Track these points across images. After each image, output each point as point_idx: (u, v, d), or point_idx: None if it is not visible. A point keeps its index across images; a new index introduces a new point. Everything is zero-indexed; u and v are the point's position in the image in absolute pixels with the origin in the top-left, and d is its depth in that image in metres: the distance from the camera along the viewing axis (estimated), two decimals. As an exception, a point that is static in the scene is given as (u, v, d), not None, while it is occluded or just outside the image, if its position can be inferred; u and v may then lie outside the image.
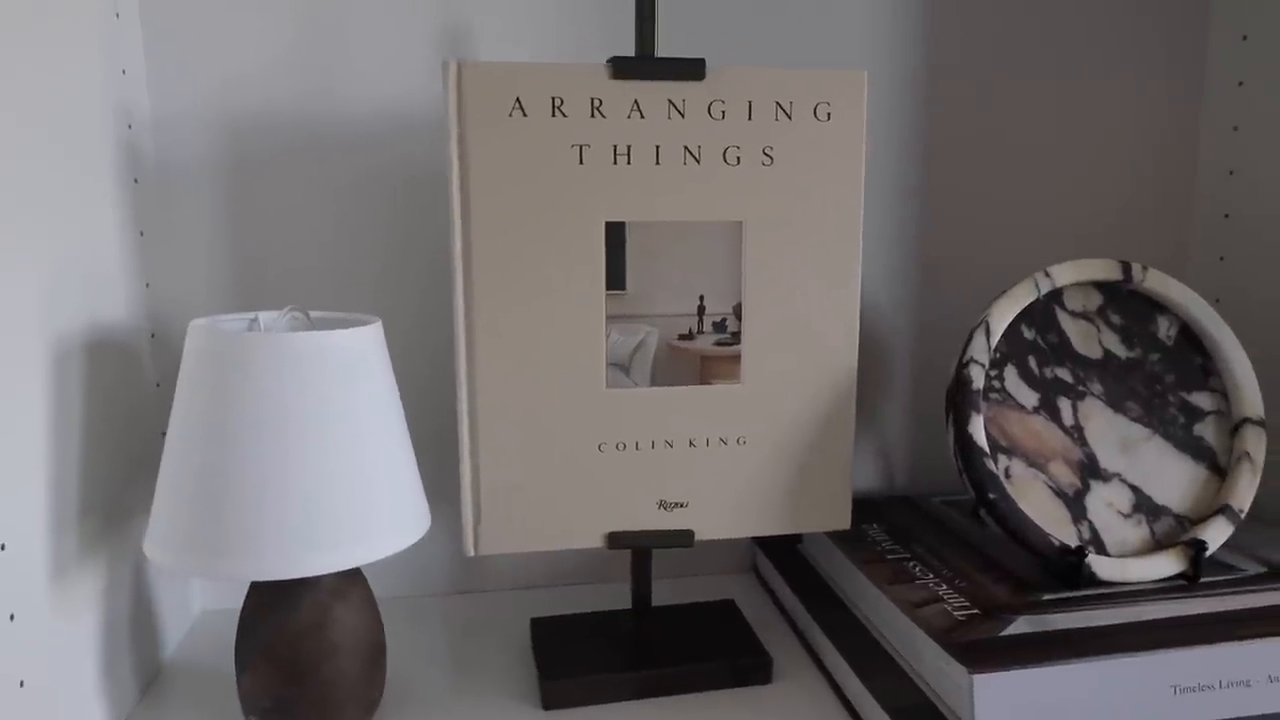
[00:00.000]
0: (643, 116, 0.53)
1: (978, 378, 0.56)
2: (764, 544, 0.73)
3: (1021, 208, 0.74)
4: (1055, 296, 0.59)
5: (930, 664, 0.49)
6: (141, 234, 0.59)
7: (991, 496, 0.55)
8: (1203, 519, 0.57)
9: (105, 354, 0.53)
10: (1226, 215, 0.73)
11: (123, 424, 0.55)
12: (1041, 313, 0.59)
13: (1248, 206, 0.72)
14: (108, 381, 0.53)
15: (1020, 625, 0.51)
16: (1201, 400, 0.59)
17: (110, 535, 0.53)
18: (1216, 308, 0.74)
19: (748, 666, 0.58)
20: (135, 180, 0.58)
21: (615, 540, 0.57)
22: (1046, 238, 0.75)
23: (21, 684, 0.43)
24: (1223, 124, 0.73)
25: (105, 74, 0.54)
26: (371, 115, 0.63)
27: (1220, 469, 0.58)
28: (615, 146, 0.53)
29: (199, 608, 0.67)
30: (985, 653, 0.47)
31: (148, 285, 0.60)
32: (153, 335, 0.61)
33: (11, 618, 0.42)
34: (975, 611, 0.52)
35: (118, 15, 0.56)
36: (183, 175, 0.62)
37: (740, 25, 0.68)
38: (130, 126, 0.57)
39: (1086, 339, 0.59)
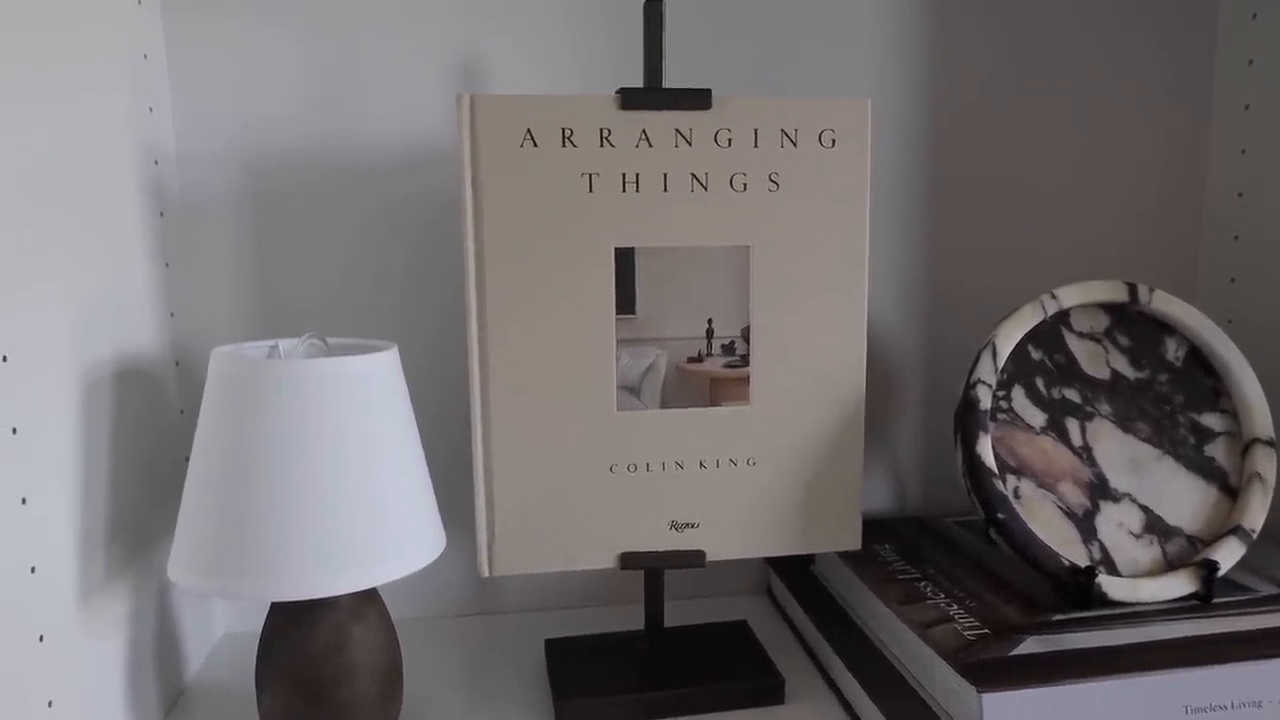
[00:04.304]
0: (651, 145, 0.54)
1: (984, 398, 0.57)
2: (777, 565, 0.73)
3: (1031, 229, 0.75)
4: (1062, 318, 0.60)
5: (941, 684, 0.50)
6: (167, 265, 0.61)
7: (1000, 516, 0.55)
8: (1214, 539, 0.57)
9: (132, 382, 0.55)
10: (1236, 237, 0.74)
11: (149, 450, 0.57)
12: (1049, 334, 0.59)
13: (1257, 229, 0.72)
14: (134, 409, 0.55)
15: (1030, 645, 0.51)
16: (1212, 421, 0.59)
17: (136, 559, 0.54)
18: (1227, 329, 0.75)
19: (761, 688, 0.58)
20: (161, 214, 0.60)
21: (627, 561, 0.57)
22: (1056, 259, 0.76)
23: (50, 704, 0.44)
24: (1231, 147, 0.74)
25: (134, 112, 0.57)
26: (388, 148, 0.65)
27: (1232, 489, 0.58)
28: (624, 175, 0.54)
29: (221, 630, 0.68)
30: (995, 672, 0.47)
31: (172, 315, 0.61)
32: (177, 363, 0.62)
33: (41, 639, 0.43)
34: (985, 631, 0.52)
35: (146, 56, 0.58)
36: (206, 209, 0.64)
37: (748, 55, 0.69)
38: (157, 162, 0.60)
39: (1094, 360, 0.59)
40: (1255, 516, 0.57)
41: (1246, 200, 0.73)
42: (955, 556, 0.65)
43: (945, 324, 0.75)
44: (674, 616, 0.70)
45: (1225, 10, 0.74)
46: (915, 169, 0.73)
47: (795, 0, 0.69)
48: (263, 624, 0.51)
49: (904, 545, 0.68)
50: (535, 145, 0.53)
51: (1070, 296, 0.58)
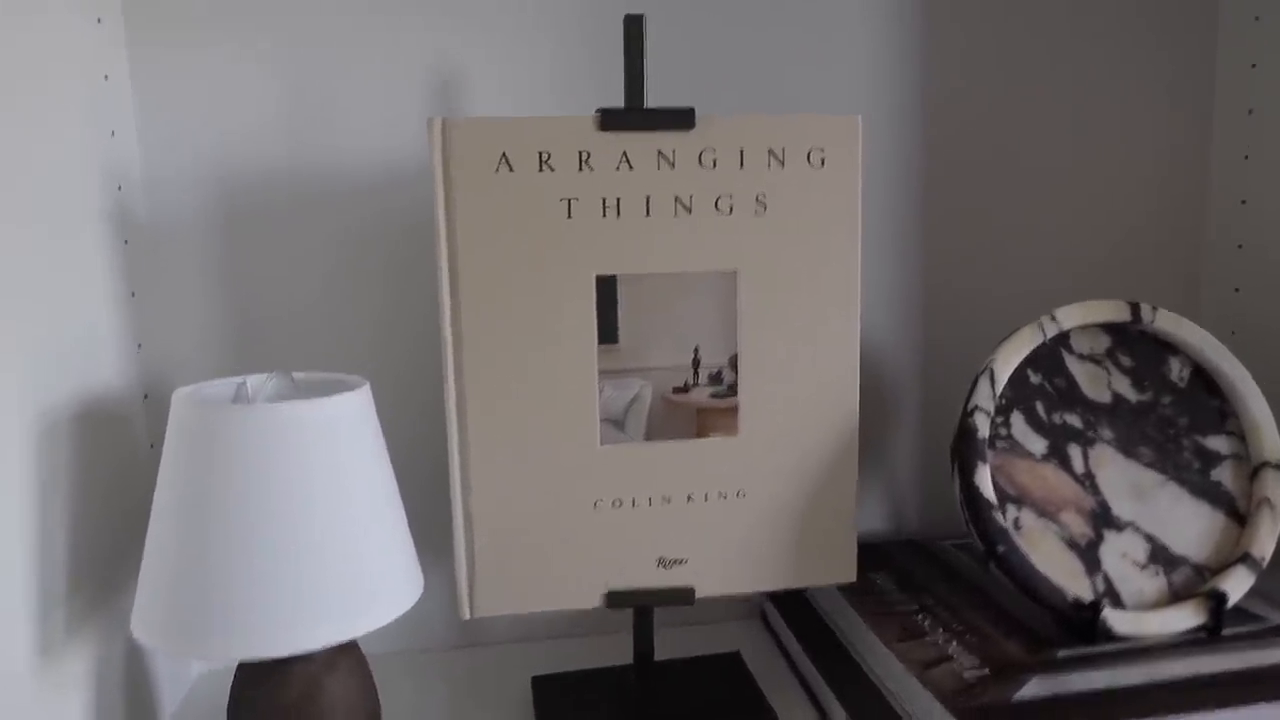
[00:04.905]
0: (632, 168, 0.52)
1: (983, 426, 0.55)
2: (772, 592, 0.71)
3: (1031, 241, 0.73)
4: (1062, 339, 0.58)
5: (941, 729, 0.48)
6: (133, 294, 0.58)
7: (1000, 550, 0.53)
8: (1222, 568, 0.55)
9: (95, 421, 0.52)
10: (1240, 246, 0.72)
11: (115, 491, 0.55)
12: (1048, 357, 0.57)
13: (1262, 236, 0.70)
14: (98, 449, 0.53)
15: (1034, 687, 0.49)
16: (1218, 444, 0.57)
17: (102, 607, 0.52)
18: (1231, 340, 0.72)
19: (753, 726, 0.56)
20: (126, 241, 0.58)
21: (614, 600, 0.55)
22: (1057, 271, 0.73)
23: (5, 768, 0.42)
24: (1234, 153, 0.72)
25: (94, 136, 0.54)
26: (364, 169, 0.63)
27: (1240, 515, 0.56)
28: (604, 199, 0.52)
29: (196, 670, 0.66)
30: (998, 719, 0.45)
31: (140, 346, 0.59)
32: (146, 396, 0.60)
33: (-7, 701, 0.41)
34: (986, 672, 0.50)
35: (106, 78, 0.56)
36: (174, 234, 0.61)
37: (734, 72, 0.67)
38: (120, 188, 0.57)
39: (1095, 383, 0.57)
40: (1265, 544, 0.55)
41: (1250, 207, 0.71)
42: (954, 584, 0.63)
43: (943, 339, 0.73)
44: (665, 645, 0.68)
45: (1226, 12, 0.71)
46: (909, 182, 0.71)
47: (782, 15, 0.67)
48: (234, 674, 0.49)
49: (901, 573, 0.66)
50: (511, 170, 0.51)
51: (1070, 317, 0.56)
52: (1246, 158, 0.71)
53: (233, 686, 0.49)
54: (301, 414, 0.45)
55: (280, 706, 0.47)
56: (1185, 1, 0.72)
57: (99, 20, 0.55)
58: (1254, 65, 0.69)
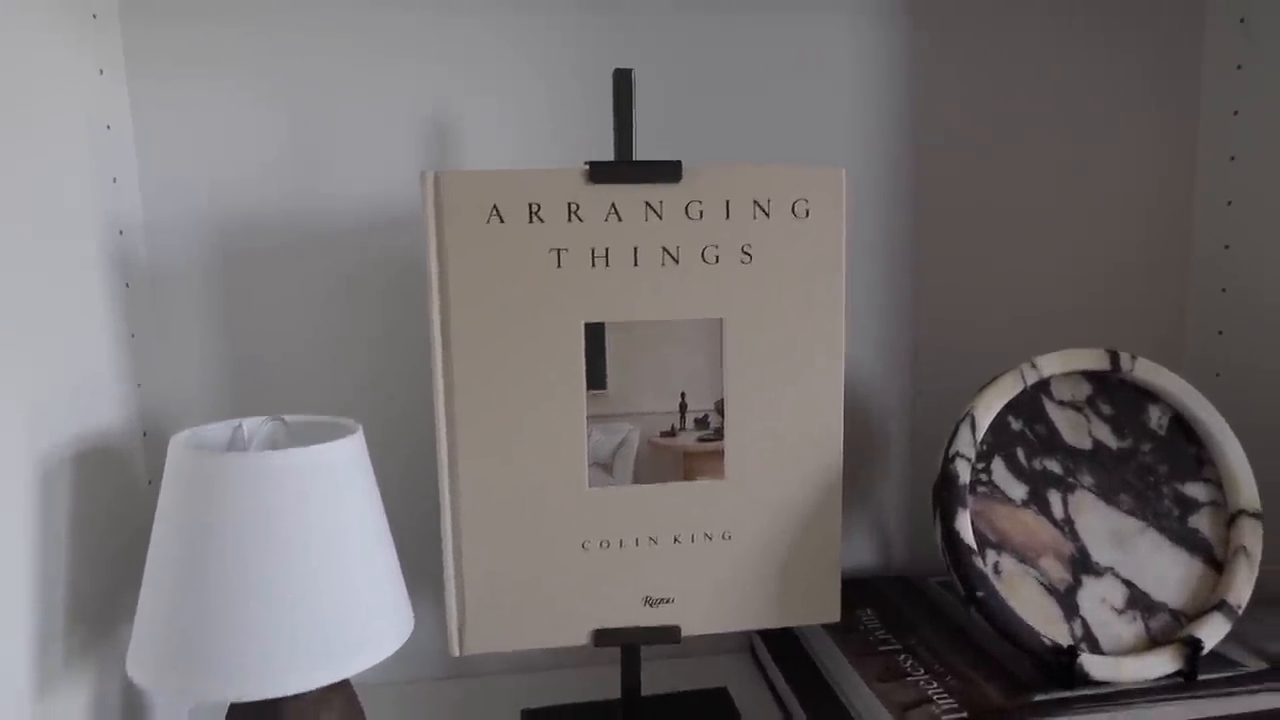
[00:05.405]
0: (620, 219, 0.53)
1: (964, 472, 0.56)
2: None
3: (1016, 285, 0.74)
4: (1043, 387, 0.59)
5: (918, 773, 0.49)
6: (133, 336, 0.60)
7: (980, 594, 0.54)
8: (1199, 615, 0.56)
9: (95, 459, 0.54)
10: (1224, 290, 0.73)
11: (114, 527, 0.56)
12: (1029, 403, 0.58)
13: (1243, 281, 0.71)
14: (98, 486, 0.54)
15: (1009, 733, 0.50)
16: (1196, 491, 0.58)
17: (99, 643, 0.53)
18: (1216, 381, 0.73)
19: (737, 766, 0.57)
20: (127, 284, 0.59)
21: (601, 638, 0.56)
22: (1042, 313, 0.74)
23: (2, 807, 0.43)
24: (1217, 199, 0.73)
25: (97, 183, 0.56)
26: (360, 214, 0.64)
27: (1217, 562, 0.57)
28: (593, 249, 0.53)
29: (187, 710, 0.67)
30: (971, 768, 0.46)
31: (139, 385, 0.60)
32: (144, 434, 0.61)
33: (-9, 742, 0.42)
34: (964, 715, 0.51)
35: (109, 127, 0.58)
36: (174, 277, 0.63)
37: (724, 123, 0.68)
38: (121, 232, 0.59)
39: (1076, 429, 0.58)
40: (1240, 592, 0.56)
41: (1232, 252, 0.72)
42: (938, 623, 0.64)
43: (932, 381, 0.74)
44: (656, 677, 0.69)
45: (1209, 61, 0.73)
46: (898, 229, 0.72)
47: (769, 69, 0.68)
48: (225, 714, 0.50)
49: (888, 610, 0.66)
50: (502, 221, 0.52)
51: (1050, 365, 0.57)
52: (1229, 203, 0.72)
53: (225, 725, 0.50)
54: (296, 461, 0.46)
55: (271, 746, 0.48)
56: (1169, 49, 0.73)
57: (101, 72, 0.57)
58: (1235, 112, 0.71)
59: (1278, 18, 0.67)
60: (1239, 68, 0.70)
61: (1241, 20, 0.69)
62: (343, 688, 0.52)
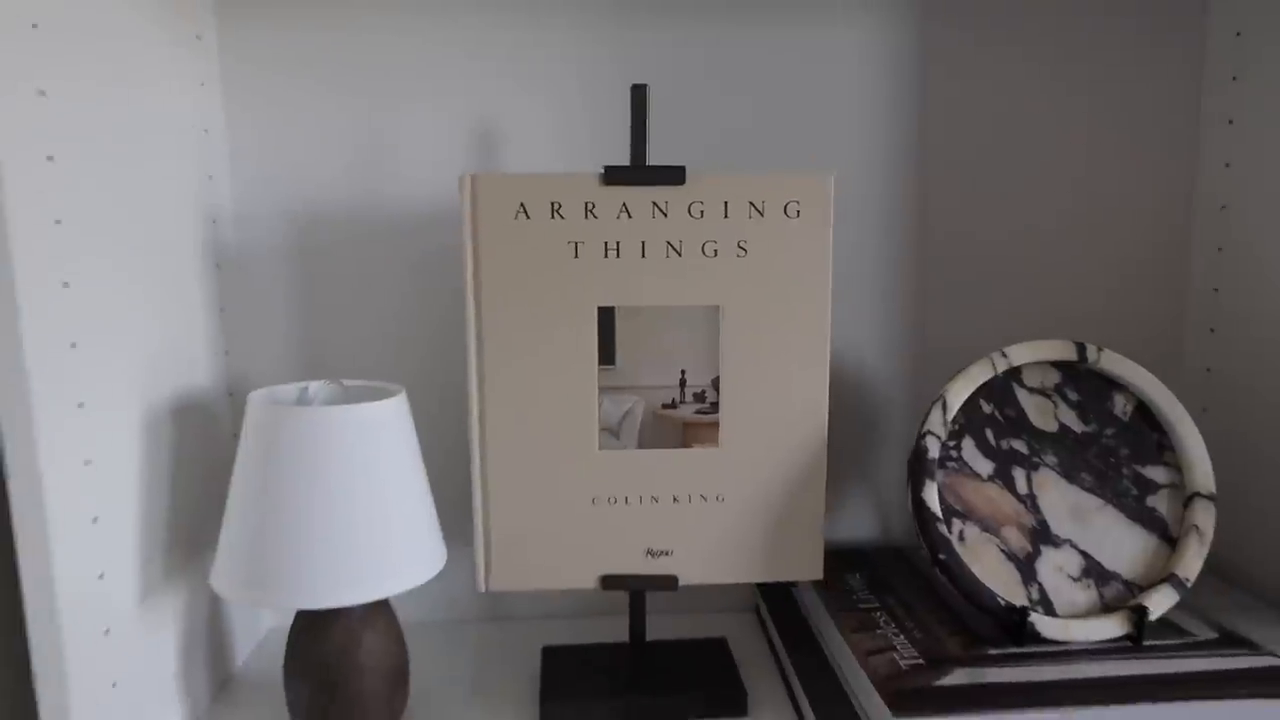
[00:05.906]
0: (630, 217, 0.61)
1: (933, 448, 0.62)
2: (763, 587, 0.80)
3: (1016, 283, 0.79)
4: (1014, 374, 0.64)
5: (875, 709, 0.55)
6: (222, 310, 0.70)
7: (942, 557, 0.60)
8: (1150, 585, 0.61)
9: (190, 412, 0.64)
10: (1215, 289, 0.76)
11: (204, 470, 0.67)
12: (1001, 389, 0.64)
13: (1235, 281, 0.75)
14: (192, 435, 0.65)
15: (958, 676, 0.56)
16: (1156, 474, 0.63)
17: (192, 563, 0.64)
18: (1207, 377, 0.77)
19: (724, 698, 0.64)
20: (218, 266, 0.70)
21: (607, 582, 0.65)
22: (1043, 311, 0.79)
23: (114, 685, 0.53)
24: (1212, 204, 0.76)
25: (196, 180, 0.66)
26: (416, 210, 0.74)
27: (1171, 539, 0.62)
28: (606, 243, 0.61)
29: (266, 626, 0.78)
30: (913, 701, 0.53)
31: (227, 353, 0.71)
32: (230, 394, 0.72)
33: (107, 632, 0.53)
34: (920, 662, 0.58)
35: (206, 131, 0.68)
36: (257, 261, 0.73)
37: (725, 130, 0.75)
38: (215, 222, 0.69)
39: (1043, 414, 0.64)
40: (1190, 566, 0.60)
41: (1225, 254, 0.75)
42: (916, 588, 0.70)
43: (928, 358, 0.80)
44: (664, 629, 0.77)
45: (1208, 71, 0.76)
46: (904, 226, 0.78)
47: (778, 80, 0.75)
48: (290, 625, 0.60)
49: (874, 575, 0.73)
50: (528, 217, 0.61)
51: (1019, 355, 0.63)
52: (1223, 208, 0.75)
53: (289, 635, 0.60)
54: (349, 416, 0.55)
55: (325, 654, 0.58)
56: (1168, 59, 0.77)
57: (202, 84, 0.68)
58: (1231, 121, 0.74)
59: (1272, 30, 0.70)
60: (1235, 79, 0.74)
61: (1238, 34, 0.73)
62: (385, 611, 0.61)
